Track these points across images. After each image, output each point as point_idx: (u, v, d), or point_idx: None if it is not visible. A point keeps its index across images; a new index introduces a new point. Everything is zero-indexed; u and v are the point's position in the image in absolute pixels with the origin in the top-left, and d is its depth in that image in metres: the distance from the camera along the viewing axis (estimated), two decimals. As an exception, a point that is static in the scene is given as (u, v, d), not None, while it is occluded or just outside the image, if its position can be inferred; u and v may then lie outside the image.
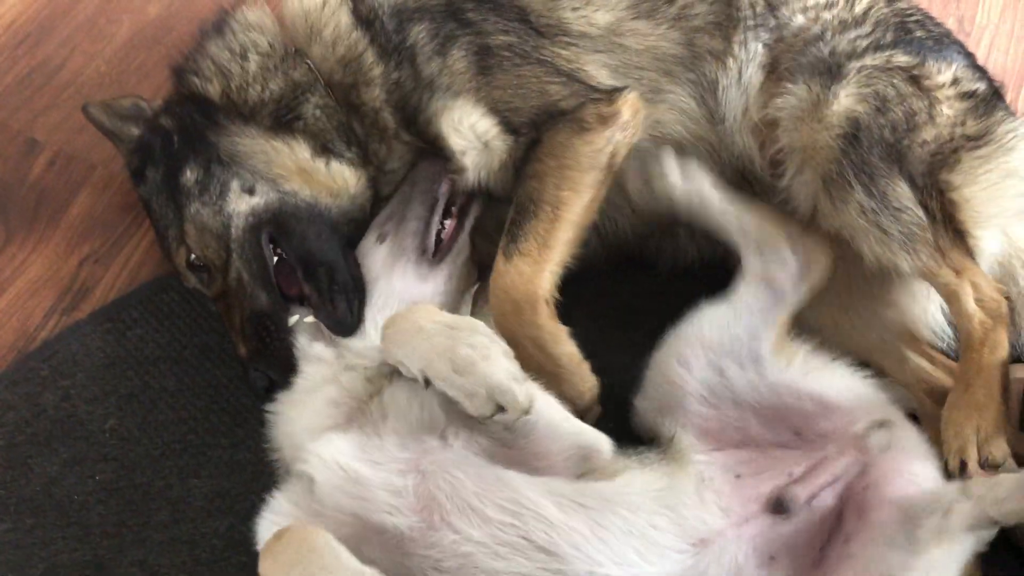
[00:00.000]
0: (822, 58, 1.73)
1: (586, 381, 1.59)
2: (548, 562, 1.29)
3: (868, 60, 1.71)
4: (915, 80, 1.70)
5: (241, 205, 1.67)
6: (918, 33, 1.80)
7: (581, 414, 1.52)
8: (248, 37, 1.77)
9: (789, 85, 1.72)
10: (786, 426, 1.54)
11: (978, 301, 1.58)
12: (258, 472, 1.64)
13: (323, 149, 1.71)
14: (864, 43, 1.75)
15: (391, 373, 1.50)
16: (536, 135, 1.69)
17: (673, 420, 1.56)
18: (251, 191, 1.68)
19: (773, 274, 1.62)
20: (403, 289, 1.63)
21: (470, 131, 1.69)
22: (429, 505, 1.32)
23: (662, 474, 1.47)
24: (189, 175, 1.68)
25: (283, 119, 1.71)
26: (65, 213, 2.02)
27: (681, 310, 1.64)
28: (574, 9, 1.79)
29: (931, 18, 1.88)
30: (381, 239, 1.68)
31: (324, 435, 1.42)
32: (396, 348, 1.40)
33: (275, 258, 1.68)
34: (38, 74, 2.18)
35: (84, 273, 1.95)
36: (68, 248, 1.98)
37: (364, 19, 1.75)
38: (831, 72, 1.70)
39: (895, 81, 1.69)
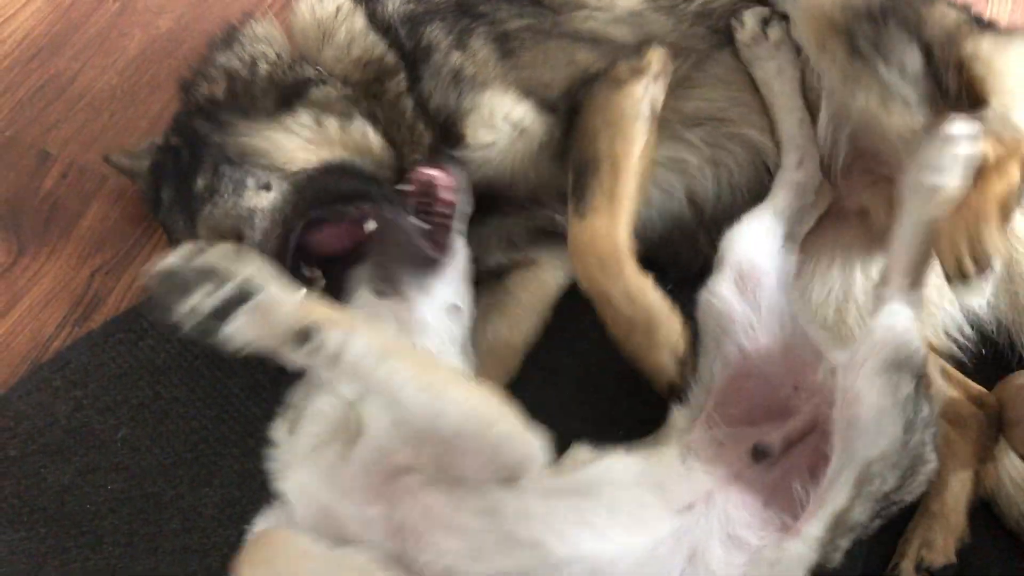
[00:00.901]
0: None
1: (677, 328, 1.58)
2: (532, 553, 1.27)
3: None
4: None
5: (262, 202, 1.65)
6: None
7: (681, 364, 1.56)
8: (257, 48, 1.78)
9: None
10: (793, 372, 1.55)
11: (996, 136, 1.56)
12: (269, 482, 1.64)
13: (339, 114, 1.70)
14: None
15: None
16: (573, 103, 1.70)
17: (722, 350, 1.57)
18: (267, 187, 1.66)
19: (806, 185, 1.73)
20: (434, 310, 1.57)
21: (504, 122, 1.70)
22: (402, 531, 1.29)
23: (646, 454, 1.46)
24: (200, 182, 1.67)
25: (287, 98, 1.71)
26: (77, 225, 2.04)
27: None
28: None
29: None
30: (381, 295, 1.57)
31: (299, 464, 1.38)
32: None
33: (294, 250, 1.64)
34: (50, 87, 2.21)
35: (96, 284, 1.97)
36: (80, 259, 2.00)
37: (381, 27, 1.77)
38: None
39: None
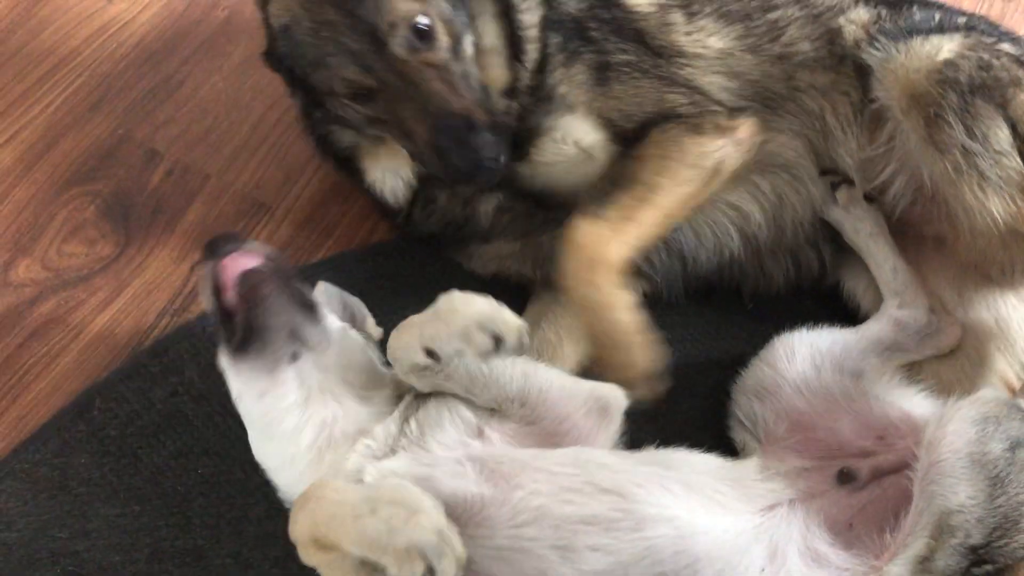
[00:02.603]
0: (926, 17, 1.74)
1: (638, 354, 1.57)
2: (618, 502, 1.32)
3: (976, 36, 1.70)
4: (1021, 63, 1.68)
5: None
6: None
7: (631, 384, 1.53)
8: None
9: (882, 39, 1.71)
10: (872, 430, 1.55)
11: None
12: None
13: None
14: (971, 23, 1.76)
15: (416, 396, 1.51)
16: (643, 133, 1.69)
17: (766, 407, 1.59)
18: None
19: (906, 323, 1.69)
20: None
21: (573, 145, 1.72)
22: (492, 477, 1.36)
23: (723, 461, 1.50)
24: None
25: None
26: (180, 220, 2.13)
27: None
28: (687, 33, 1.81)
29: None
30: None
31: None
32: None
33: None
34: (161, 89, 2.31)
35: (194, 277, 2.04)
36: (181, 253, 2.09)
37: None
38: (933, 27, 1.70)
39: (1000, 57, 1.66)
